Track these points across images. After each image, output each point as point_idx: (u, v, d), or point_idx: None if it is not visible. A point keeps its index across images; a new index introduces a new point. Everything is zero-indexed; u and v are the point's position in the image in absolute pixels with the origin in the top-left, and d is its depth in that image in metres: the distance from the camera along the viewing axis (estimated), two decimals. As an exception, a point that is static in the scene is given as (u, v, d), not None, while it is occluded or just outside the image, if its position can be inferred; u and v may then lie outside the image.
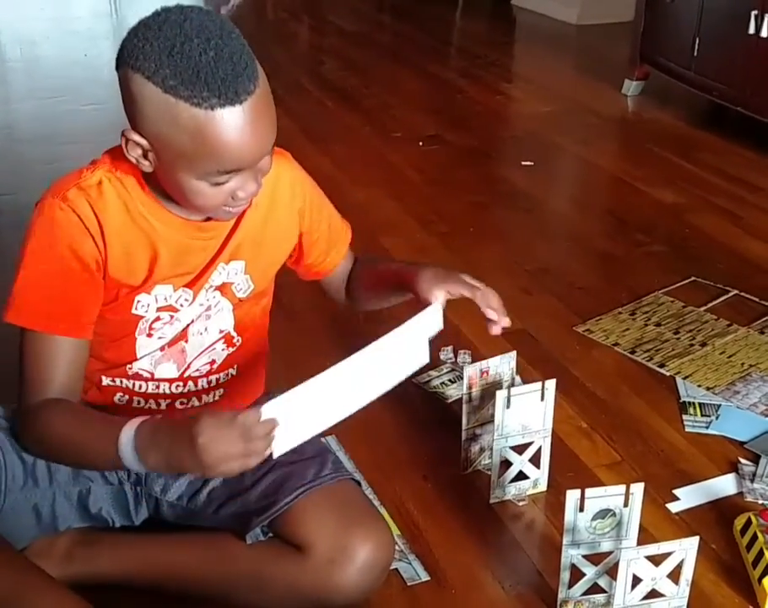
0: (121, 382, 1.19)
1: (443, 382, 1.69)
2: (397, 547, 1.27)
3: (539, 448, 1.38)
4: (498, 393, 1.30)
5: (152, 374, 1.19)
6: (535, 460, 1.38)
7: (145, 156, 1.03)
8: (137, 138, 1.01)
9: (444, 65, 4.18)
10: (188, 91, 0.95)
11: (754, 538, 1.26)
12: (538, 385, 1.32)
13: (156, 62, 0.96)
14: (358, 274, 1.36)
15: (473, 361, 1.57)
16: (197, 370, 1.20)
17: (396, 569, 1.24)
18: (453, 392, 1.66)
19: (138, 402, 1.20)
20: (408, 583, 1.24)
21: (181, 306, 1.15)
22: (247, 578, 1.13)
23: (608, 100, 3.52)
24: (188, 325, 1.17)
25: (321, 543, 1.08)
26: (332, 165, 2.76)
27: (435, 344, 1.79)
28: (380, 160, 2.89)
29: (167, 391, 1.21)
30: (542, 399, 1.33)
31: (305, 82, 3.85)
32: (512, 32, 4.93)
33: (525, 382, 1.50)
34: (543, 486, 1.41)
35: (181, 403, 1.23)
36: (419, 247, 2.26)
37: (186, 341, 1.18)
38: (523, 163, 2.87)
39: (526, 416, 1.33)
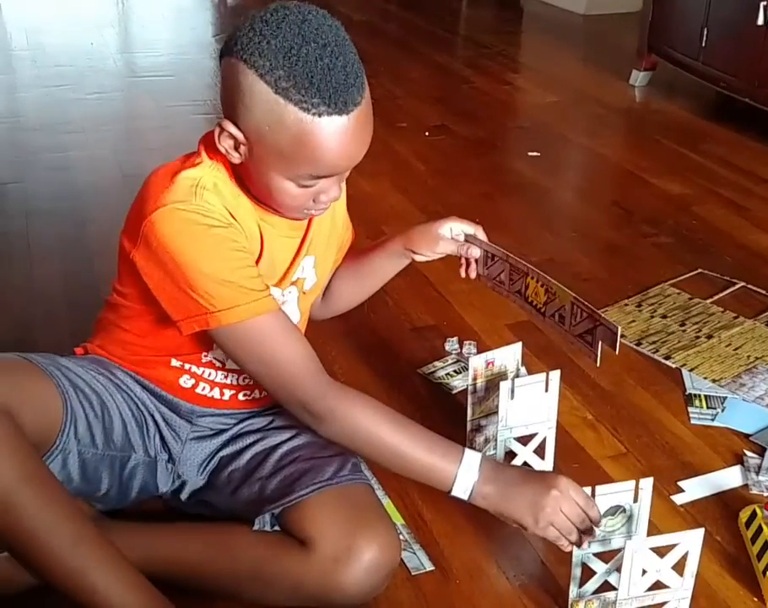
0: (191, 367, 1.20)
1: (448, 373, 1.69)
2: (401, 537, 1.27)
3: (544, 439, 1.38)
4: (502, 383, 1.29)
5: (223, 364, 1.20)
6: (540, 451, 1.38)
7: (236, 148, 1.04)
8: (233, 130, 1.02)
9: (450, 55, 4.17)
10: (299, 95, 0.96)
11: (759, 530, 1.26)
12: (543, 376, 1.32)
13: (271, 62, 0.96)
14: (338, 270, 1.38)
15: (479, 352, 1.57)
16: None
17: (401, 559, 1.24)
18: (458, 383, 1.66)
19: (204, 388, 1.22)
20: (413, 573, 1.24)
21: None
22: (251, 570, 1.13)
23: (616, 91, 3.51)
24: None
25: (326, 540, 1.08)
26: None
27: (441, 334, 1.80)
28: (385, 150, 2.88)
29: (234, 382, 1.22)
30: (546, 389, 1.33)
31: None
32: (519, 22, 4.92)
33: (530, 373, 1.50)
34: (548, 478, 1.41)
35: (245, 395, 1.25)
36: (424, 238, 2.25)
37: None
38: (530, 154, 2.86)
39: (530, 407, 1.33)
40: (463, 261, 1.31)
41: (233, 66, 1.00)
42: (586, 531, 1.11)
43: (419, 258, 1.31)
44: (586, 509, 1.10)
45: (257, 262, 1.12)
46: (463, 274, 1.32)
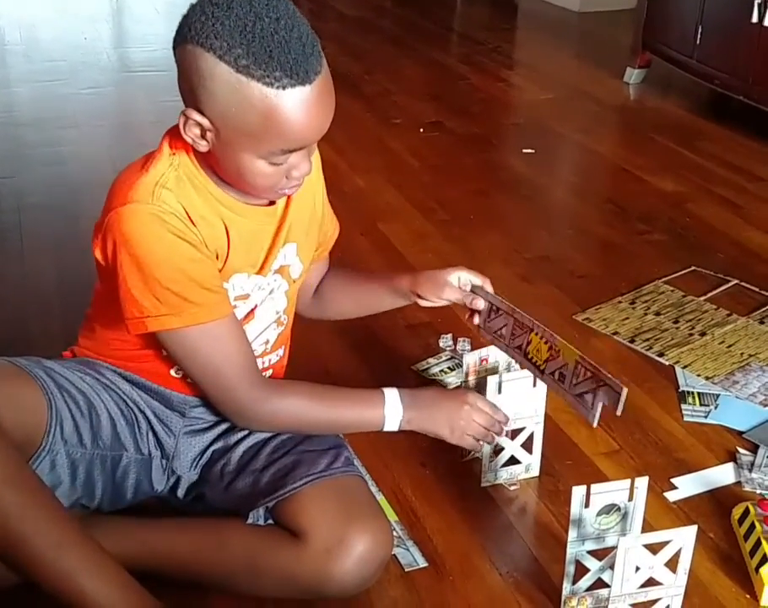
0: None
1: (442, 370, 1.69)
2: (395, 533, 1.27)
3: (531, 434, 1.38)
4: (489, 378, 1.30)
5: None
6: (527, 446, 1.38)
7: (203, 136, 1.04)
8: (198, 117, 1.02)
9: (445, 51, 4.17)
10: (261, 71, 0.97)
11: (752, 527, 1.26)
12: None
13: (228, 41, 0.96)
14: (335, 279, 1.39)
15: (473, 349, 1.57)
16: (254, 350, 1.21)
17: (394, 555, 1.24)
18: (452, 379, 1.66)
19: (192, 380, 1.21)
20: (406, 570, 1.24)
21: (254, 292, 1.18)
22: (244, 564, 1.13)
23: (610, 88, 3.51)
24: (253, 309, 1.20)
25: (319, 532, 1.08)
26: (333, 151, 2.75)
27: (435, 331, 1.80)
28: (380, 146, 2.88)
29: None
30: (534, 385, 1.33)
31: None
32: (514, 19, 4.91)
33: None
34: (535, 472, 1.41)
35: None
36: (418, 235, 2.25)
37: (250, 323, 1.20)
38: (524, 150, 2.86)
39: (518, 402, 1.33)
40: (468, 310, 1.31)
41: (190, 52, 0.99)
42: (497, 431, 1.26)
43: (423, 303, 1.31)
44: (494, 415, 1.25)
45: (227, 255, 1.12)
46: (466, 320, 1.33)
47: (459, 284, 1.29)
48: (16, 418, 1.04)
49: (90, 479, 1.15)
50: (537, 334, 1.22)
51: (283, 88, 0.98)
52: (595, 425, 1.15)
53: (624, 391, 1.09)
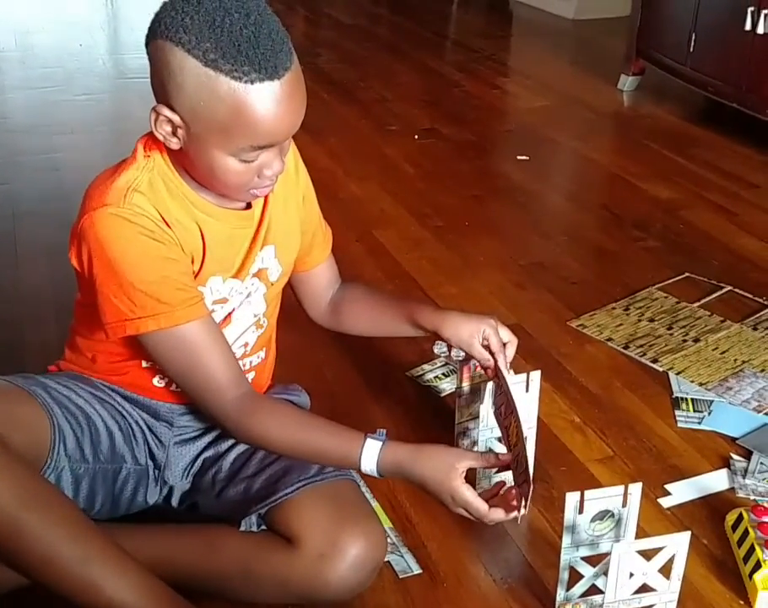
0: None
1: (437, 376, 1.70)
2: (389, 540, 1.27)
3: (525, 439, 1.37)
4: (483, 384, 1.29)
5: None
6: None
7: (174, 133, 1.03)
8: (168, 113, 1.01)
9: (440, 59, 4.18)
10: (229, 65, 0.96)
11: (746, 534, 1.26)
12: (523, 376, 1.32)
13: (197, 36, 0.96)
14: (355, 294, 1.39)
15: (467, 356, 1.57)
16: (233, 353, 1.20)
17: (388, 562, 1.24)
18: (447, 386, 1.66)
19: (177, 386, 1.21)
20: (400, 576, 1.24)
21: (231, 296, 1.18)
22: (238, 570, 1.13)
23: (604, 95, 3.52)
24: (231, 313, 1.19)
25: (312, 537, 1.08)
26: (328, 158, 2.76)
27: (430, 337, 1.80)
28: (375, 153, 2.88)
29: None
30: (527, 390, 1.33)
31: (300, 74, 3.82)
32: (509, 26, 4.93)
33: (518, 376, 1.50)
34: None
35: None
36: (413, 241, 2.26)
37: (227, 327, 1.19)
38: (519, 157, 2.87)
39: None
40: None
41: (160, 48, 1.00)
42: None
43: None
44: (473, 510, 1.12)
45: (203, 259, 1.12)
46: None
47: (483, 335, 1.28)
48: (23, 438, 1.04)
49: (92, 492, 1.15)
50: (514, 420, 1.22)
51: (252, 82, 0.97)
52: (519, 521, 1.16)
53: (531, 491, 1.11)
